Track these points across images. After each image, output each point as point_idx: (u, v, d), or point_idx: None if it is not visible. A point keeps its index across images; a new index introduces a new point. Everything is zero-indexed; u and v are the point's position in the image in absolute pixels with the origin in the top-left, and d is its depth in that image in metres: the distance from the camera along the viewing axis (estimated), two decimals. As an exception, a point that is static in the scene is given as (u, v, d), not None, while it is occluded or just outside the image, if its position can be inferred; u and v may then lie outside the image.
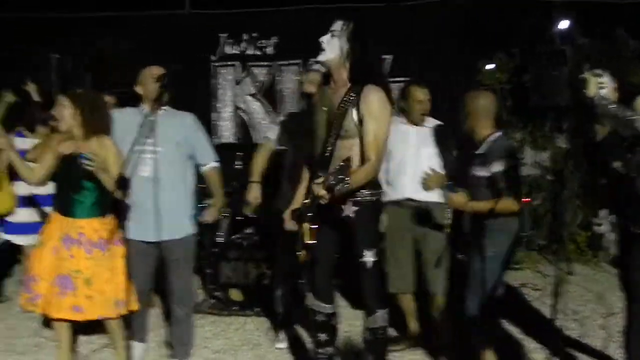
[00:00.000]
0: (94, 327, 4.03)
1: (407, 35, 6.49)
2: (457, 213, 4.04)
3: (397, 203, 4.35)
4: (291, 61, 6.82)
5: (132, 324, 3.89)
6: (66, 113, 3.67)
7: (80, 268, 3.59)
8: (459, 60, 6.43)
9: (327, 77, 3.43)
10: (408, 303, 4.48)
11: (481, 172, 3.68)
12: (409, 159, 4.30)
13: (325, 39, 3.28)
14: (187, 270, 4.03)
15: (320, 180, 3.06)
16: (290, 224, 3.63)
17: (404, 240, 4.39)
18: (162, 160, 3.73)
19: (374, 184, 3.34)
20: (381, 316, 3.41)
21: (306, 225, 3.28)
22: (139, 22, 7.33)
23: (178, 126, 3.86)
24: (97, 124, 3.69)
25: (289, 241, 3.59)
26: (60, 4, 7.52)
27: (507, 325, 4.70)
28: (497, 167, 3.60)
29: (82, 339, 4.45)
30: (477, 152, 3.73)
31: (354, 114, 3.21)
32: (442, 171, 4.16)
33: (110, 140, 3.70)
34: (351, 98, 3.21)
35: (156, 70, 3.74)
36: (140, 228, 3.69)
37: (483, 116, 3.77)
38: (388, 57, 6.59)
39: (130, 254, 3.44)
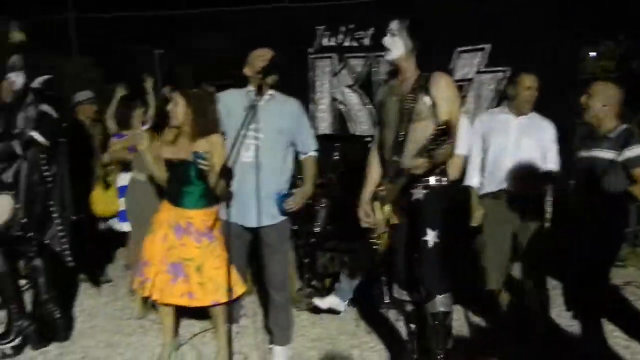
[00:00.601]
0: (196, 311, 4.12)
1: (507, 23, 6.30)
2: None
3: (495, 195, 4.26)
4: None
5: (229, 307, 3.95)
6: (179, 110, 3.75)
7: (191, 256, 3.73)
8: (561, 47, 6.19)
9: (393, 72, 3.59)
10: (504, 298, 4.40)
11: (609, 154, 3.62)
12: (508, 149, 4.21)
13: (387, 40, 3.45)
14: (283, 255, 4.05)
15: (416, 151, 3.17)
16: (364, 217, 3.61)
17: (501, 232, 4.30)
18: (265, 146, 3.74)
19: (443, 171, 3.45)
20: (441, 301, 3.36)
21: (387, 208, 3.40)
22: (237, 16, 7.49)
23: (283, 113, 3.84)
24: (208, 123, 3.75)
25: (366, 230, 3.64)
26: (162, 2, 7.82)
27: (610, 325, 4.49)
28: (633, 151, 3.58)
29: (184, 322, 4.61)
30: (607, 135, 3.65)
31: (425, 98, 3.34)
32: (543, 163, 4.08)
33: (218, 138, 3.76)
34: (421, 84, 3.37)
35: (264, 52, 3.76)
36: (240, 212, 3.72)
37: (609, 108, 3.67)
38: (487, 46, 6.44)
39: (230, 238, 3.53)
